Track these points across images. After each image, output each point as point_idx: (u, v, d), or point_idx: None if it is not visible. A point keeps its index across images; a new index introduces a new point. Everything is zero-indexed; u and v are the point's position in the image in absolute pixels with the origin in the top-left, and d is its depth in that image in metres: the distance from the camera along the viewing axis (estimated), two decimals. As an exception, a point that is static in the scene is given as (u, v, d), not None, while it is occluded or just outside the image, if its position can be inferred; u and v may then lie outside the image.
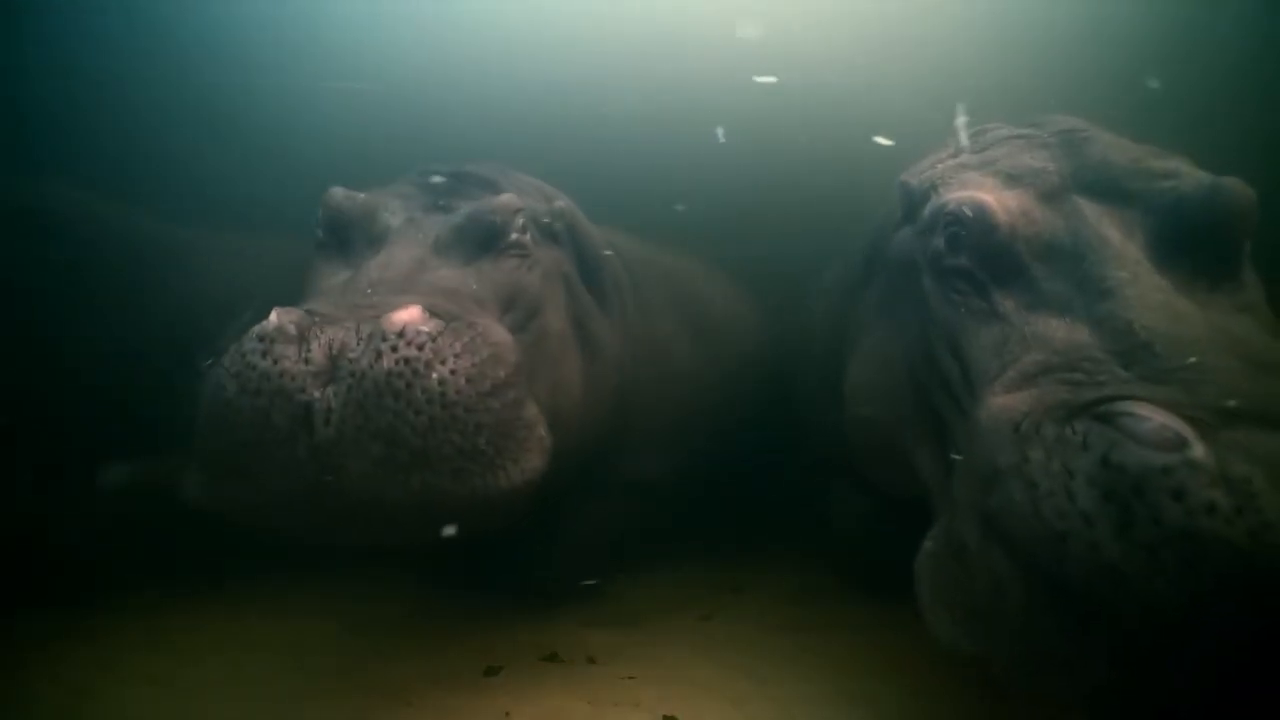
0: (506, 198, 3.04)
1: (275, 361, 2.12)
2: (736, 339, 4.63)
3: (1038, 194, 2.49)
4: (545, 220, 3.22)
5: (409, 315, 2.22)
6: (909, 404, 2.59)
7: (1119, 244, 2.28)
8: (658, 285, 4.14)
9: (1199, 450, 1.57)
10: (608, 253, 3.66)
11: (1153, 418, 1.66)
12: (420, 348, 2.17)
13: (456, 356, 2.23)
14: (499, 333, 2.46)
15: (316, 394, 2.10)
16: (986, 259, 2.41)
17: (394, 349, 2.15)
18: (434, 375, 2.16)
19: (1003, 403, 2.00)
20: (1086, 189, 2.47)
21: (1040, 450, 1.79)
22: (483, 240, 2.93)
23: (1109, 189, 2.45)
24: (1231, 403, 1.73)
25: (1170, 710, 1.62)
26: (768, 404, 4.45)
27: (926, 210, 2.65)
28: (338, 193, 3.00)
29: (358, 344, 2.18)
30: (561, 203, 3.37)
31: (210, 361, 2.27)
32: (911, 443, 2.57)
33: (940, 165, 2.83)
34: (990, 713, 2.85)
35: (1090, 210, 2.40)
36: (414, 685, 3.00)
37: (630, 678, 3.07)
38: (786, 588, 4.03)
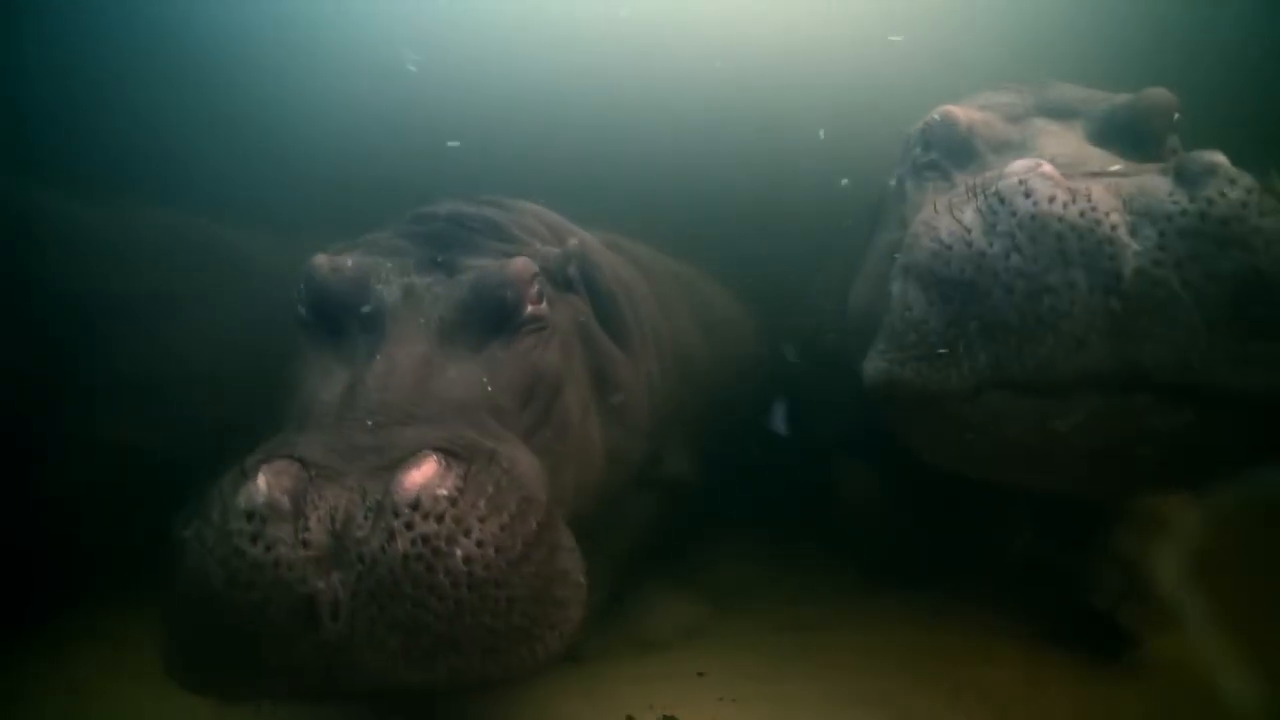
0: (520, 263, 2.58)
1: (268, 548, 1.76)
2: (738, 337, 4.66)
3: (1004, 116, 3.07)
4: (560, 269, 2.86)
5: (423, 476, 1.85)
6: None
7: (1056, 132, 2.85)
8: (676, 293, 4.05)
9: (1048, 168, 2.12)
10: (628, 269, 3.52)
11: (1021, 160, 2.21)
12: (440, 519, 1.82)
13: (482, 521, 1.88)
14: (526, 465, 2.15)
15: (320, 584, 1.76)
16: (950, 151, 2.99)
17: (408, 525, 1.80)
18: (458, 553, 1.82)
19: (929, 208, 2.43)
20: (1044, 112, 3.04)
21: (947, 215, 2.26)
22: (494, 320, 2.51)
23: (1062, 110, 3.02)
24: (1094, 168, 2.30)
25: (1028, 367, 2.05)
26: (769, 398, 4.53)
27: (912, 137, 3.18)
28: (322, 262, 2.53)
29: (364, 516, 1.83)
30: (574, 241, 3.03)
31: (185, 522, 1.92)
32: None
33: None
34: (987, 710, 2.87)
35: (1042, 123, 2.96)
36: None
37: (630, 677, 3.08)
38: (788, 587, 4.04)
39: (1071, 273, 1.99)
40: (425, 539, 1.80)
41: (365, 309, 2.46)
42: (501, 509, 1.93)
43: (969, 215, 2.17)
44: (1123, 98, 2.93)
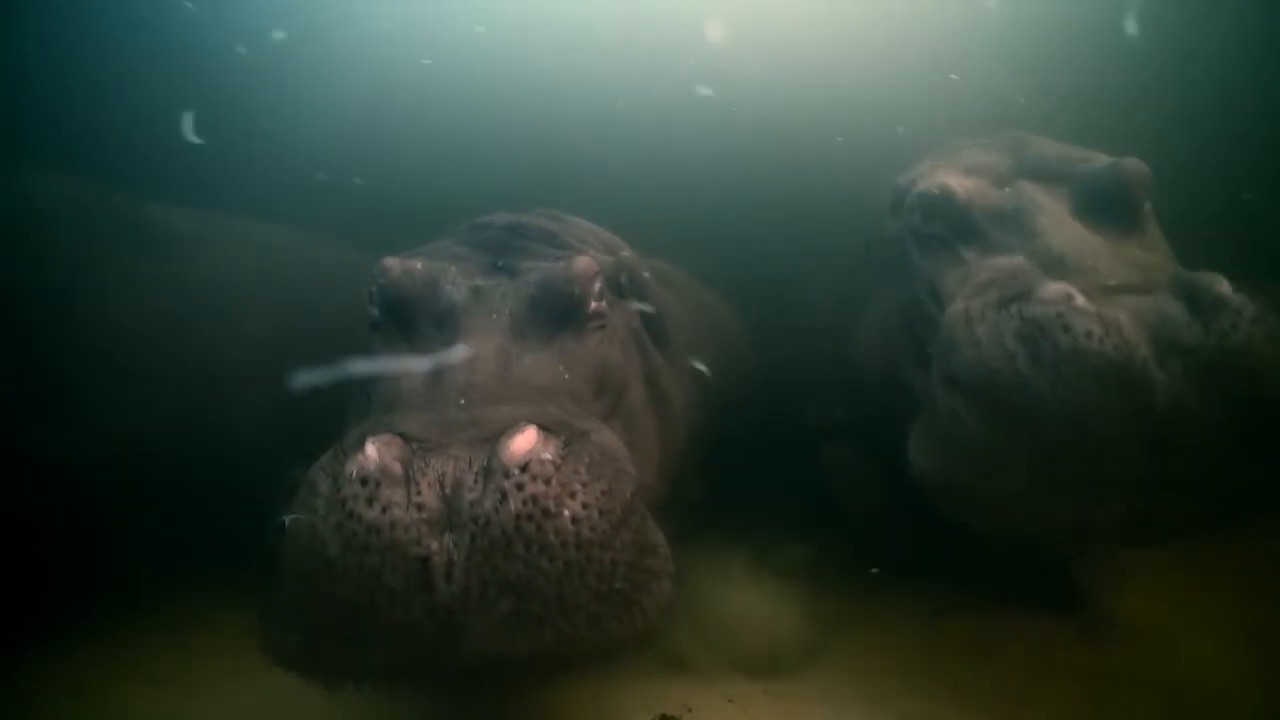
0: (584, 262, 2.65)
1: (384, 510, 1.80)
2: (743, 350, 4.76)
3: (990, 179, 3.28)
4: (614, 275, 2.91)
5: (527, 443, 1.90)
6: (904, 342, 3.27)
7: (1048, 204, 3.06)
8: (700, 313, 4.18)
9: (1081, 300, 2.37)
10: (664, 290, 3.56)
11: (1051, 286, 2.47)
12: (547, 481, 1.86)
13: (584, 486, 1.92)
14: (614, 442, 2.18)
15: (434, 545, 1.79)
16: (952, 224, 3.18)
17: (519, 486, 1.84)
18: (566, 513, 1.85)
19: (959, 305, 2.74)
20: (1026, 174, 3.25)
21: (983, 326, 2.55)
22: (562, 315, 2.57)
23: (1043, 173, 3.22)
24: (1113, 282, 2.55)
25: (1072, 476, 2.36)
26: (768, 401, 4.64)
27: (908, 198, 3.40)
28: (393, 265, 2.61)
29: (474, 481, 1.88)
30: (626, 253, 3.17)
31: (287, 508, 1.96)
32: (908, 368, 3.21)
33: (918, 169, 3.61)
34: (986, 710, 2.87)
35: (1029, 187, 3.16)
36: (415, 685, 3.00)
37: (630, 676, 3.08)
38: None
39: (1111, 402, 2.24)
40: (535, 499, 1.83)
41: (438, 307, 2.55)
42: (600, 477, 1.97)
43: (1009, 339, 2.41)
44: (1098, 165, 3.14)
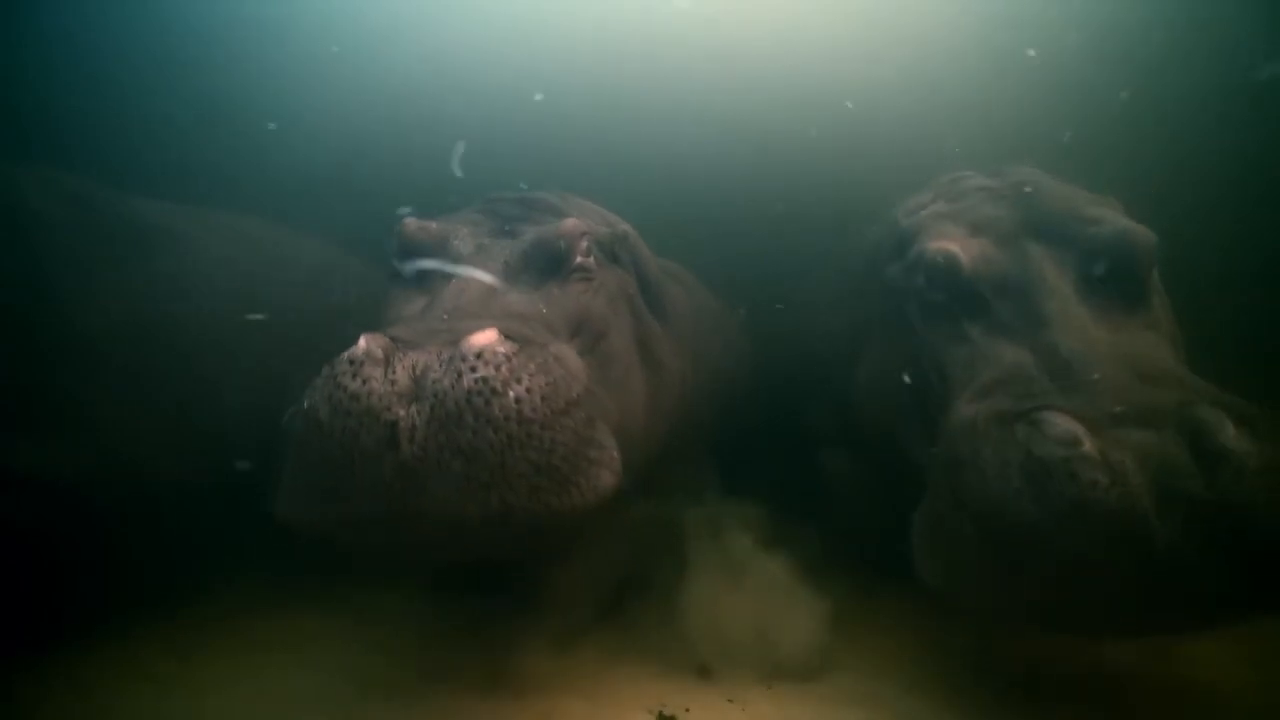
0: (571, 222, 3.09)
1: (364, 383, 2.19)
2: (744, 348, 4.89)
3: (996, 239, 3.24)
4: (608, 243, 3.29)
5: (486, 338, 2.28)
6: (904, 405, 3.29)
7: (1054, 281, 3.05)
8: (704, 310, 4.45)
9: (1088, 444, 2.38)
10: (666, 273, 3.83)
11: (1059, 423, 2.44)
12: (497, 368, 2.23)
13: (531, 375, 2.28)
14: (570, 355, 2.59)
15: (401, 413, 2.16)
16: (957, 296, 3.17)
17: (473, 369, 2.21)
18: (511, 394, 2.22)
19: (966, 411, 2.76)
20: (1034, 233, 3.21)
21: (989, 446, 2.56)
22: (550, 264, 3.01)
23: (1050, 234, 3.19)
24: (1118, 409, 2.51)
25: (1074, 614, 2.49)
26: (769, 400, 4.71)
27: (912, 252, 3.36)
28: (411, 223, 3.11)
29: (439, 366, 2.24)
30: (624, 227, 3.50)
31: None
32: (904, 433, 3.27)
33: (924, 211, 3.57)
34: (985, 709, 2.87)
35: (1035, 252, 3.15)
36: (416, 685, 3.01)
37: (630, 676, 3.08)
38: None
39: (1112, 548, 2.29)
40: (485, 380, 2.21)
41: (446, 258, 3.02)
42: (548, 373, 2.35)
43: (1016, 474, 2.44)
44: (1106, 233, 3.09)
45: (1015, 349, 2.92)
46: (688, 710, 2.84)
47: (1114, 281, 3.03)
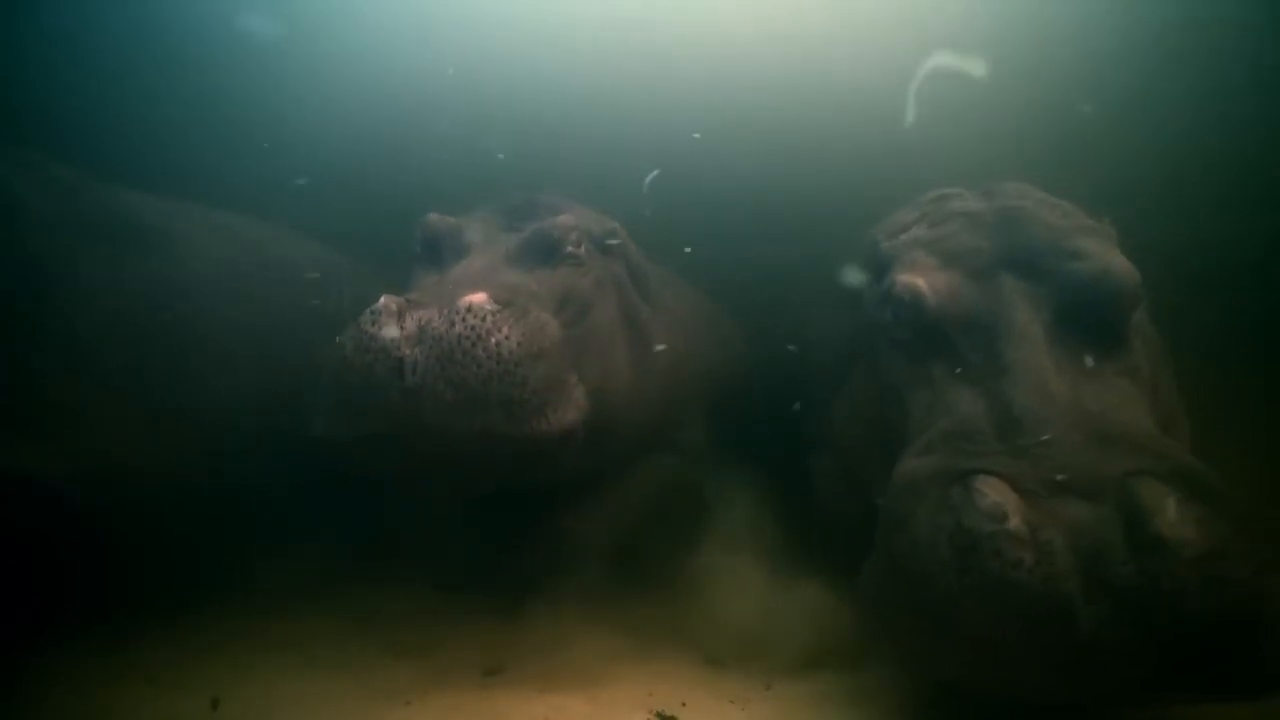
0: (565, 218, 3.73)
1: (380, 329, 2.87)
2: (738, 348, 5.11)
3: (969, 271, 3.13)
4: (601, 237, 3.94)
5: (476, 298, 2.97)
6: (871, 438, 3.33)
7: (1024, 324, 2.92)
8: (699, 311, 4.91)
9: (1015, 522, 2.33)
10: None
11: (990, 494, 2.40)
12: (482, 319, 2.91)
13: (509, 326, 2.95)
14: (545, 317, 3.18)
15: (407, 353, 2.83)
16: (921, 333, 3.10)
17: (464, 320, 2.89)
18: (493, 339, 2.89)
19: (909, 466, 2.73)
20: (1011, 266, 3.09)
21: (925, 508, 2.53)
22: (544, 252, 3.65)
23: (1028, 267, 3.06)
24: (1060, 477, 2.47)
25: (1000, 683, 2.44)
26: (762, 400, 4.79)
27: (884, 283, 3.27)
28: (434, 217, 3.81)
29: (439, 318, 2.91)
30: (614, 225, 4.11)
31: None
32: (872, 471, 3.21)
33: (903, 236, 3.47)
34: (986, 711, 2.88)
35: (1010, 287, 3.03)
36: (415, 684, 3.02)
37: (629, 675, 3.09)
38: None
39: (1033, 628, 2.25)
40: (473, 328, 2.89)
41: (459, 245, 3.73)
42: (525, 326, 3.01)
43: (944, 543, 2.40)
44: (1085, 271, 2.97)
45: (973, 397, 2.86)
46: (684, 706, 2.85)
47: (1091, 322, 2.91)
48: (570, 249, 3.64)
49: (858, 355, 3.62)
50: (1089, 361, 2.86)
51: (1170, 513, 2.27)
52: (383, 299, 2.96)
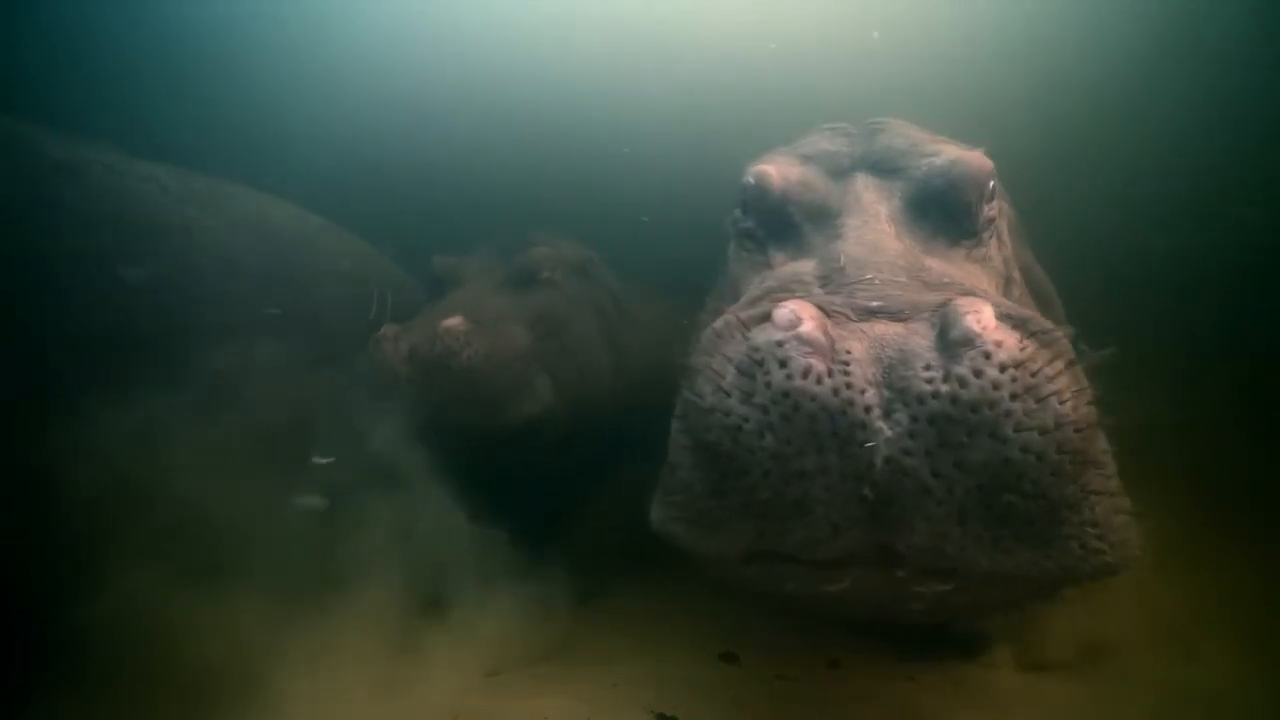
0: (540, 250, 4.55)
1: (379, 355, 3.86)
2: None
3: (824, 169, 2.95)
4: (580, 265, 4.71)
5: (451, 322, 3.77)
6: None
7: (870, 203, 2.75)
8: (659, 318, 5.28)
9: (808, 326, 1.91)
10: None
11: (787, 306, 1.97)
12: (455, 339, 3.73)
13: (478, 342, 3.77)
14: (516, 332, 4.02)
15: (403, 370, 3.80)
16: (765, 219, 2.88)
17: (441, 341, 3.74)
18: (464, 354, 3.73)
19: (718, 320, 2.23)
20: (869, 166, 2.93)
21: (727, 347, 2.07)
22: (525, 279, 4.47)
23: (885, 165, 2.91)
24: (875, 304, 2.10)
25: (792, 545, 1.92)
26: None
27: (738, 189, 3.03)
28: (436, 259, 4.70)
29: (423, 341, 3.79)
30: (590, 254, 4.87)
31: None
32: None
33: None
34: (990, 712, 2.88)
35: (863, 182, 2.86)
36: (417, 685, 3.02)
37: (628, 675, 3.09)
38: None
39: (825, 458, 1.84)
40: (448, 346, 3.74)
41: (456, 278, 4.58)
42: (490, 340, 3.89)
43: (731, 373, 1.98)
44: (934, 162, 2.82)
45: (800, 264, 2.56)
46: (687, 710, 2.85)
47: (940, 214, 2.74)
48: (546, 274, 4.47)
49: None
50: (939, 247, 2.66)
51: (985, 315, 1.89)
52: (384, 328, 3.79)
